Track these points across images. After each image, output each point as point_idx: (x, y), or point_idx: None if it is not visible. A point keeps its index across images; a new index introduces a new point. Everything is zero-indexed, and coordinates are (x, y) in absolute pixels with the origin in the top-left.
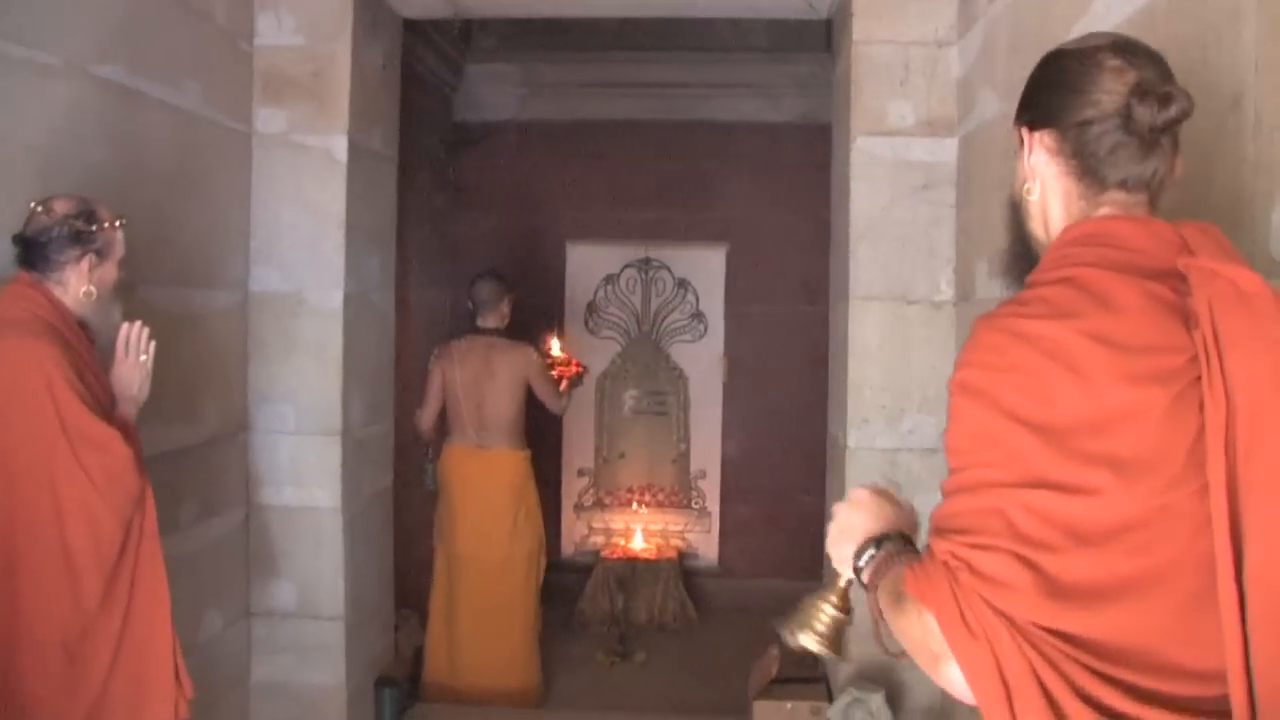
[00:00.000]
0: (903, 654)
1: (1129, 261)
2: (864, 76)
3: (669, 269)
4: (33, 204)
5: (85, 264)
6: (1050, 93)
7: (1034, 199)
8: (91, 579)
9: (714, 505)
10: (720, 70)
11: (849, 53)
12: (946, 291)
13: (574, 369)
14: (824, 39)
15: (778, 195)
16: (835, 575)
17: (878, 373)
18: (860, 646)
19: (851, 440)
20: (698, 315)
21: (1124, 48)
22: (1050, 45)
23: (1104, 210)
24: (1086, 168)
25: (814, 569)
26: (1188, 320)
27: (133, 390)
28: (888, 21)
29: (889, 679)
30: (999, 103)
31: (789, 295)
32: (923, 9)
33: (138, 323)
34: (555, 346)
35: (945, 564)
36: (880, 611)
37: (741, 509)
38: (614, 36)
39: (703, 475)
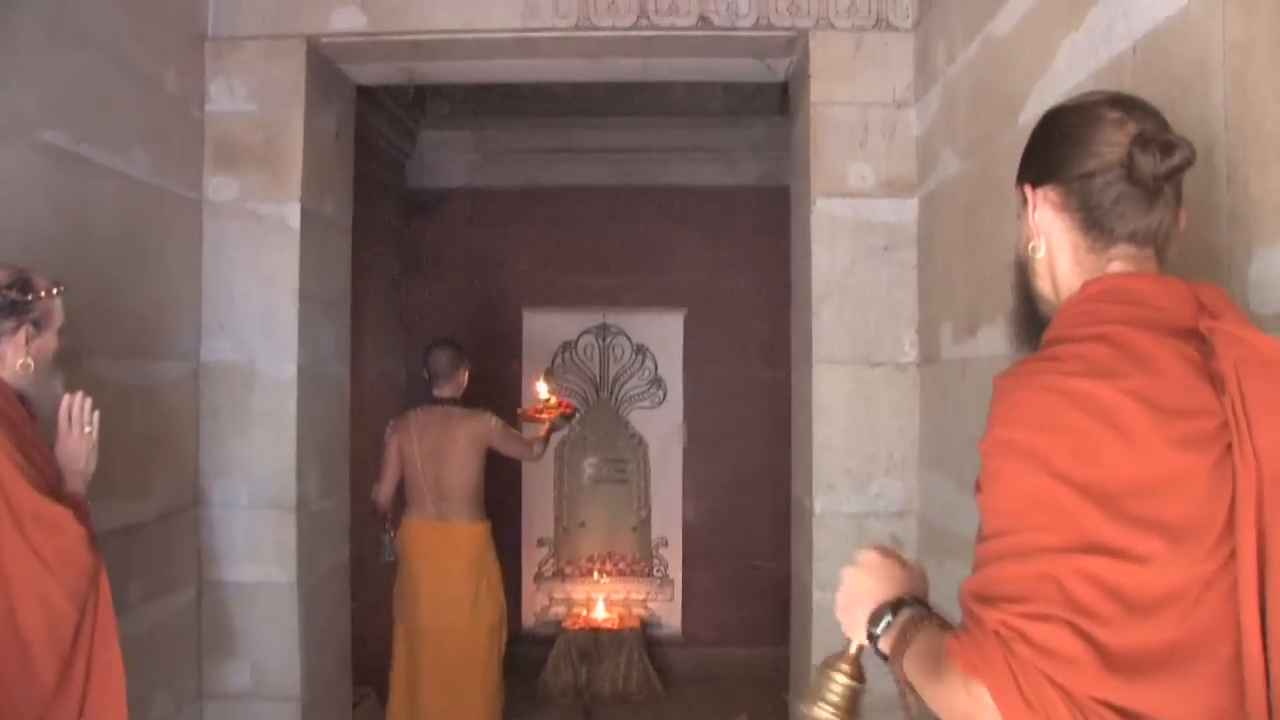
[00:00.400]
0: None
1: (1153, 320)
2: (823, 138)
3: (627, 335)
4: None
5: (22, 335)
6: (1052, 148)
7: (1040, 257)
8: (46, 664)
9: (676, 573)
10: (676, 135)
11: (807, 114)
12: (910, 353)
13: (563, 409)
14: (779, 102)
15: (735, 259)
16: (846, 642)
17: (842, 436)
18: None
19: (818, 505)
20: (656, 381)
21: (1122, 101)
22: (1011, 104)
23: (1115, 265)
24: (1092, 220)
25: (780, 636)
26: (1213, 382)
27: (79, 464)
28: (846, 83)
29: None
30: (959, 162)
31: (748, 359)
32: (880, 70)
33: (79, 394)
34: (542, 389)
35: (997, 634)
36: (906, 680)
37: (704, 576)
38: (568, 102)
39: (664, 543)
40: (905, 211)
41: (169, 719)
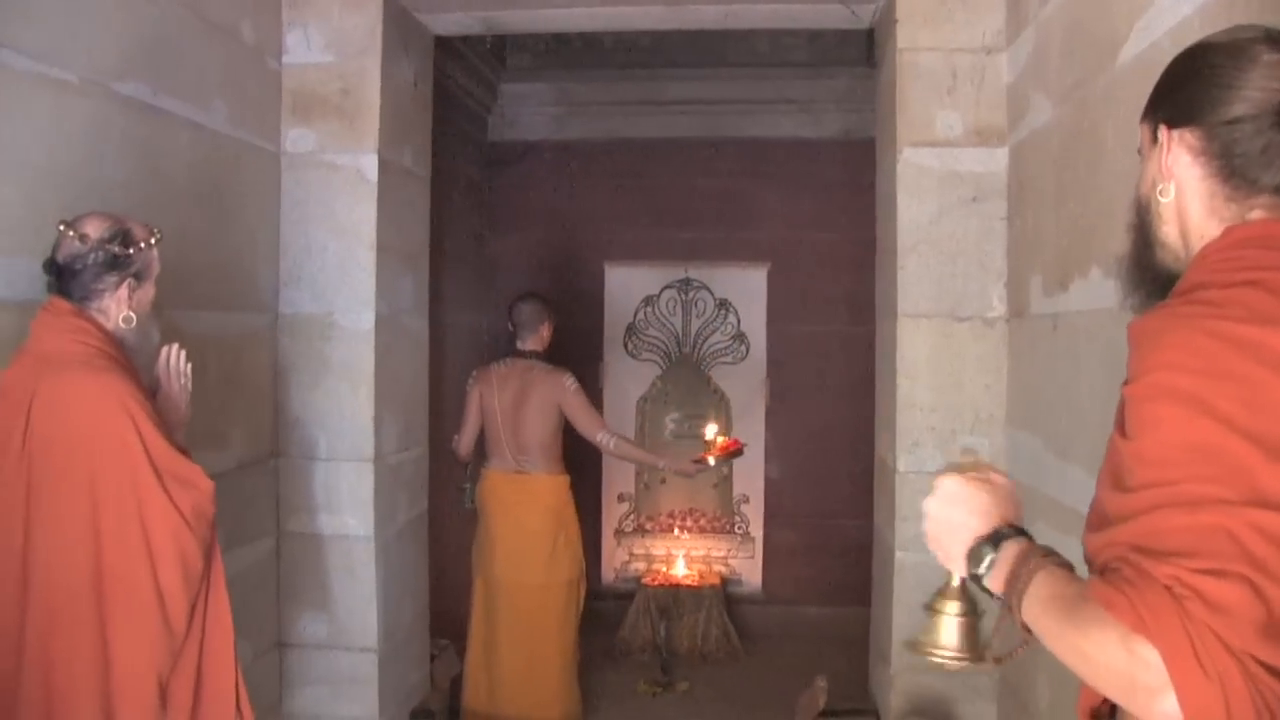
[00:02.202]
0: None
1: None
2: (909, 86)
3: (709, 289)
4: (60, 225)
5: (125, 290)
6: (1194, 88)
7: (1167, 201)
8: (181, 615)
9: (757, 530)
10: (759, 86)
11: (893, 61)
12: (999, 307)
13: (728, 447)
14: (864, 53)
15: (819, 213)
16: (946, 574)
17: (927, 393)
18: (911, 678)
19: (901, 464)
20: (739, 336)
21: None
22: (1109, 45)
23: (1256, 214)
24: (1234, 169)
25: (861, 596)
26: None
27: (180, 414)
28: (933, 28)
29: (942, 712)
30: (1052, 108)
31: (832, 315)
32: (969, 14)
33: (175, 344)
34: (710, 430)
35: (1169, 590)
36: (1027, 626)
37: (785, 534)
38: (650, 53)
39: (745, 500)
40: (994, 161)
41: (248, 668)
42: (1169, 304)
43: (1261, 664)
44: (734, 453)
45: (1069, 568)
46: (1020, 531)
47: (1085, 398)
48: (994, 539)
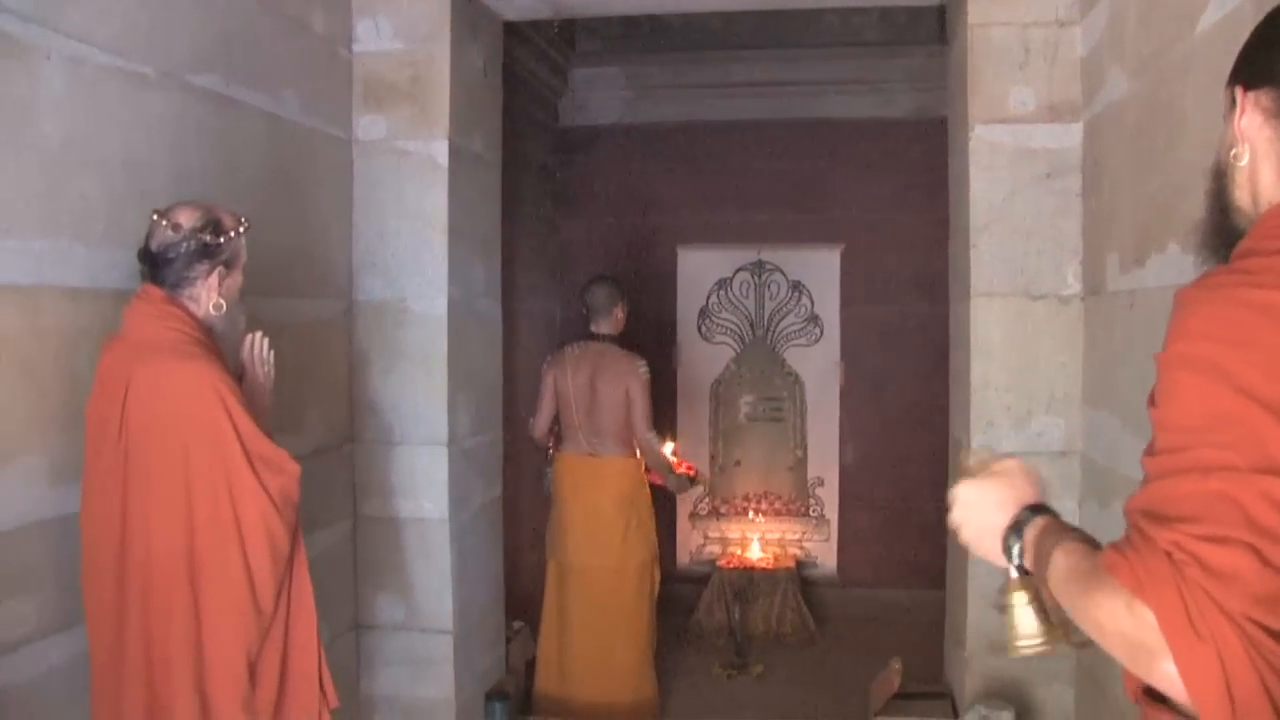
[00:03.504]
0: (1087, 644)
1: None
2: (981, 61)
3: (782, 271)
4: (154, 215)
5: (215, 277)
6: (1271, 49)
7: (1242, 165)
8: (269, 595)
9: (832, 513)
10: (830, 67)
11: (965, 37)
12: (1074, 285)
13: (686, 469)
14: (936, 30)
15: (892, 193)
16: (1005, 571)
17: (1002, 372)
18: (987, 662)
19: (976, 444)
20: (813, 318)
21: None
22: (1188, 13)
23: None
24: None
25: (937, 579)
26: None
27: (265, 400)
28: (1005, 2)
29: (1018, 696)
30: (1128, 81)
31: (906, 295)
32: None
33: (259, 332)
34: (667, 448)
35: (1169, 555)
36: (1053, 596)
37: (861, 517)
38: (719, 35)
39: (820, 482)
40: (1068, 136)
41: (326, 649)
42: (1211, 272)
43: (1268, 631)
44: (691, 478)
45: (1086, 540)
46: (1038, 510)
47: None
48: (1016, 527)
